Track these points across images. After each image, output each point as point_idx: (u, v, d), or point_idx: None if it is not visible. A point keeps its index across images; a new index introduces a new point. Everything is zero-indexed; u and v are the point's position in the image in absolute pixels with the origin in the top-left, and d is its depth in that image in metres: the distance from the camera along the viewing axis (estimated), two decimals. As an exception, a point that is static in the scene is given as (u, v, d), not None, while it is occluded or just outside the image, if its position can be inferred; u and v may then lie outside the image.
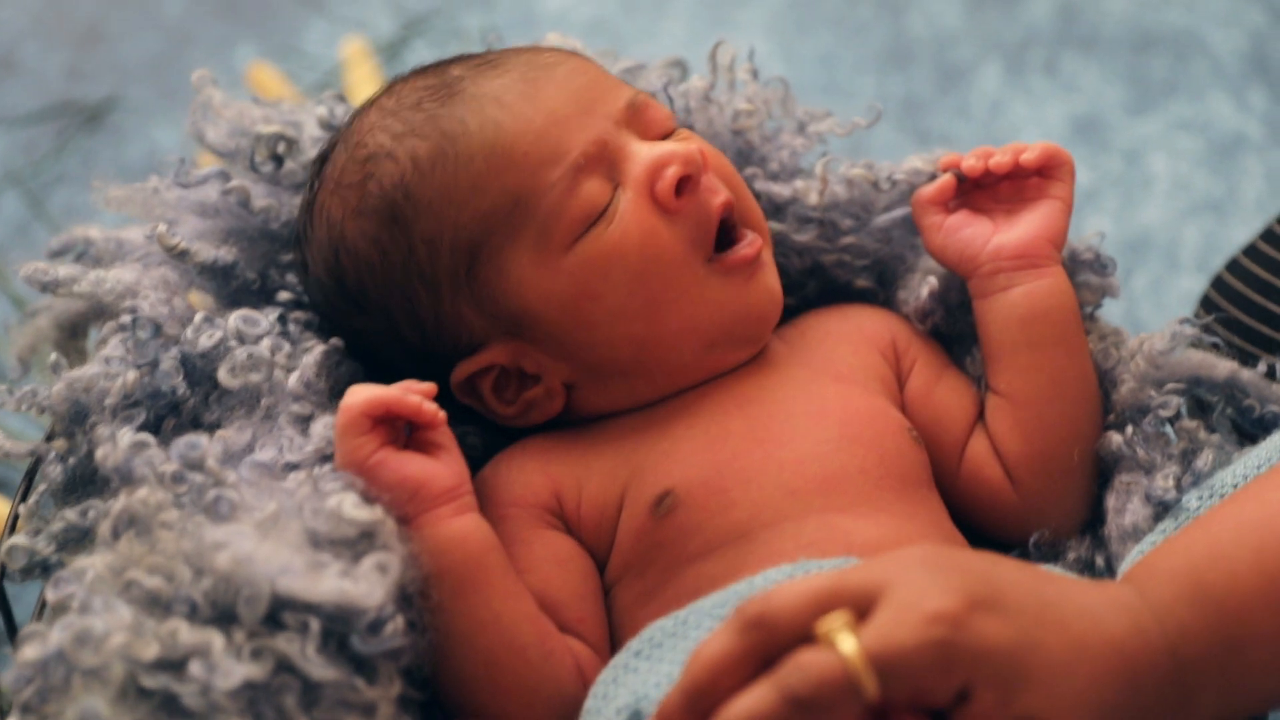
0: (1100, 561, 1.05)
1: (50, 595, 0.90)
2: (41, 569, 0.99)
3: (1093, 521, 1.08)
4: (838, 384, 1.07)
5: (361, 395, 0.96)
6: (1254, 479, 0.95)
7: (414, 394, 0.97)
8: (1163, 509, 1.01)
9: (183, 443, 0.94)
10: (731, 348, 1.07)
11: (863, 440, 1.03)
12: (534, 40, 1.22)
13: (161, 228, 1.09)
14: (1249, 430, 1.08)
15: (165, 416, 1.03)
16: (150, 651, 0.85)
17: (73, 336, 1.13)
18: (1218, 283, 1.25)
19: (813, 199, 1.17)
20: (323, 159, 1.10)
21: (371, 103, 1.10)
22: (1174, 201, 1.89)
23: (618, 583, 1.02)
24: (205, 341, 1.03)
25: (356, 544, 0.92)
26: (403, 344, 1.07)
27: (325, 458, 0.99)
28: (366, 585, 0.89)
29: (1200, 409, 1.09)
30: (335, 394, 1.04)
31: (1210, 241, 1.83)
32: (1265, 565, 0.82)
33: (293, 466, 0.98)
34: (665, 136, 1.07)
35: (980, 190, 1.12)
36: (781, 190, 1.18)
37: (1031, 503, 1.07)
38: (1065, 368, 1.07)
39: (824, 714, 0.74)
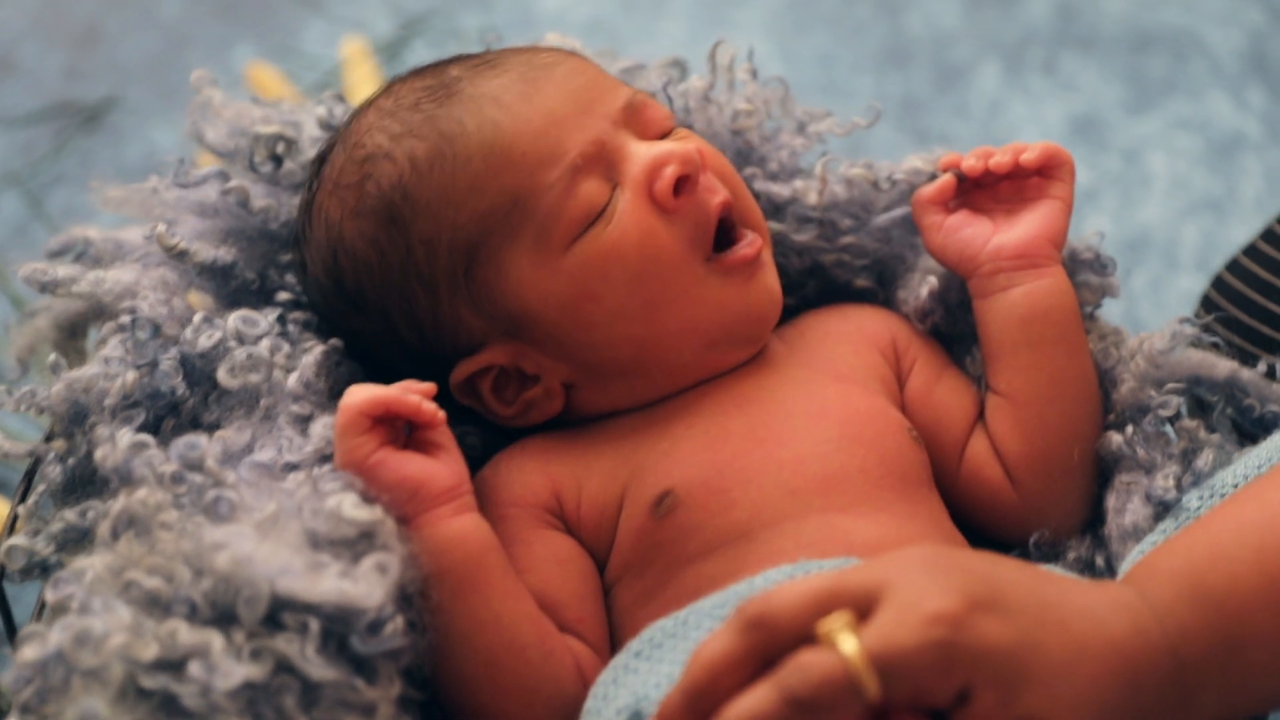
0: (1100, 561, 1.05)
1: (49, 596, 0.90)
2: (41, 570, 0.99)
3: (1093, 521, 1.08)
4: (838, 384, 1.07)
5: (361, 395, 0.96)
6: (1254, 479, 0.95)
7: (413, 393, 0.97)
8: (1163, 509, 1.01)
9: (182, 443, 0.94)
10: (731, 347, 1.07)
11: (863, 440, 1.03)
12: (533, 40, 1.22)
13: (160, 228, 1.09)
14: (1249, 430, 1.08)
15: (164, 417, 1.03)
16: (150, 652, 0.85)
17: (72, 337, 1.13)
18: (1218, 282, 1.25)
19: (812, 199, 1.17)
20: (321, 160, 1.10)
21: (369, 103, 1.10)
22: (1173, 201, 1.89)
23: (618, 583, 1.02)
24: (204, 342, 1.03)
25: (356, 544, 0.92)
26: (401, 345, 1.07)
27: (325, 458, 0.99)
28: (366, 585, 0.89)
29: (1200, 409, 1.09)
30: (334, 394, 1.03)
31: (1209, 241, 1.83)
32: (1266, 566, 0.82)
33: (292, 467, 0.98)
34: (663, 136, 1.07)
35: (980, 190, 1.12)
36: (781, 190, 1.18)
37: (1031, 503, 1.07)
38: (1065, 367, 1.07)
39: (825, 714, 0.74)
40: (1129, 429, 1.05)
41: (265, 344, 1.04)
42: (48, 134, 2.02)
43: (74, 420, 1.02)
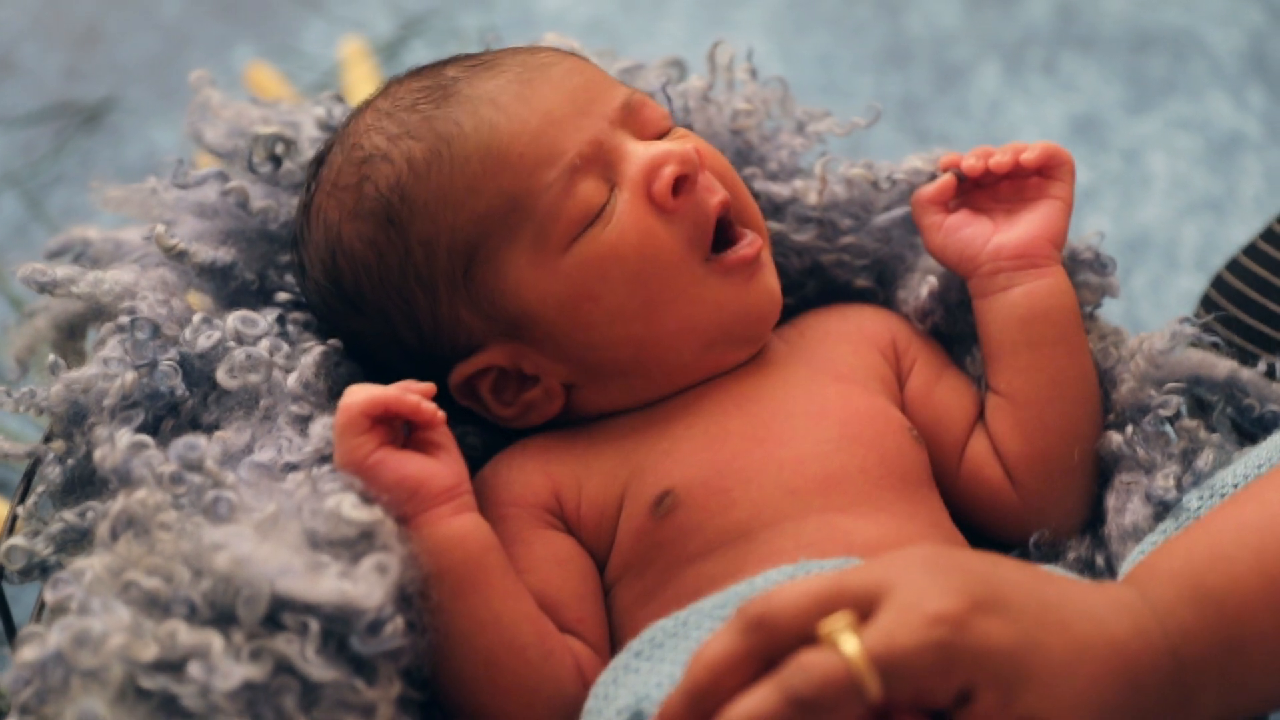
0: (1100, 561, 1.05)
1: (49, 596, 0.90)
2: (40, 570, 0.99)
3: (1093, 521, 1.08)
4: (838, 383, 1.07)
5: (360, 395, 0.96)
6: (1254, 479, 0.95)
7: (413, 393, 0.97)
8: (1163, 509, 1.01)
9: (181, 444, 0.94)
10: (731, 347, 1.07)
11: (863, 440, 1.03)
12: (532, 40, 1.22)
13: (160, 228, 1.09)
14: (1249, 430, 1.08)
15: (164, 417, 1.03)
16: (149, 652, 0.85)
17: (71, 337, 1.13)
18: (1218, 282, 1.25)
19: (812, 199, 1.17)
20: (319, 160, 1.10)
21: (367, 104, 1.09)
22: (1173, 200, 1.89)
23: (618, 583, 1.02)
24: (204, 342, 1.03)
25: (356, 544, 0.92)
26: (401, 345, 1.07)
27: (324, 458, 0.99)
28: (366, 586, 0.89)
29: (1200, 408, 1.09)
30: (334, 394, 1.03)
31: (1209, 240, 1.83)
32: (1266, 566, 0.82)
33: (292, 467, 0.98)
34: (661, 136, 1.06)
35: (980, 190, 1.12)
36: (780, 190, 1.18)
37: (1031, 502, 1.07)
38: (1065, 367, 1.07)
39: (826, 715, 0.74)
40: (1129, 429, 1.05)
41: (264, 344, 1.04)
42: (47, 134, 2.02)
43: (73, 421, 1.02)
